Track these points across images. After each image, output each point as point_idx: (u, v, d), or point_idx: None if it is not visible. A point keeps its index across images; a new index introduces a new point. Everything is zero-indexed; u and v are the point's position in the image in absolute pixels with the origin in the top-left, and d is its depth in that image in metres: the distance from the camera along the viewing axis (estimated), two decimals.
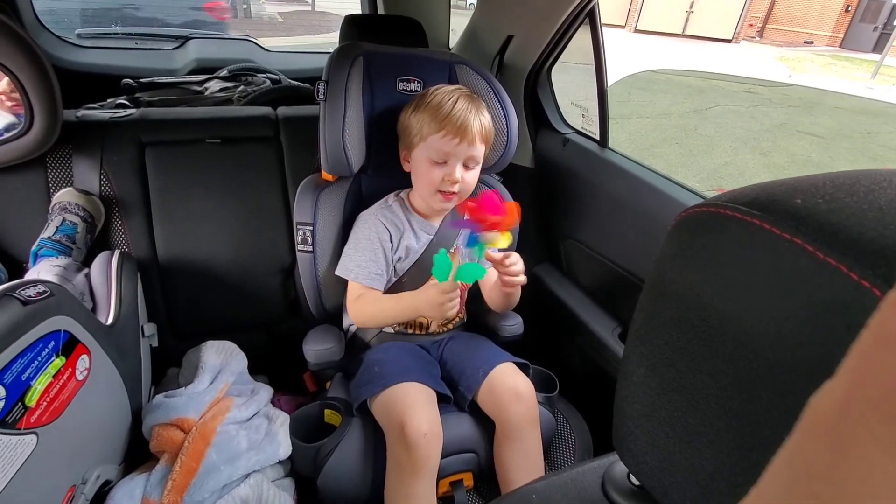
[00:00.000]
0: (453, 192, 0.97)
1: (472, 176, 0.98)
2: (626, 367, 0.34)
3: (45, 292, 0.57)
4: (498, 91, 1.05)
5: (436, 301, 0.87)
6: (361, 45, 1.01)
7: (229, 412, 0.87)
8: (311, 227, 1.02)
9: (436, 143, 0.93)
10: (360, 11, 1.82)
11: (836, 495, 0.14)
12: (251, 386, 0.99)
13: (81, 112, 1.11)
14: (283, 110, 1.25)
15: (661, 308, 0.30)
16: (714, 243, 0.27)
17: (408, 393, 0.88)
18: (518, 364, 1.00)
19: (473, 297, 1.13)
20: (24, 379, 0.53)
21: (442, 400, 0.94)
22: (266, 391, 0.99)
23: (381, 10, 1.62)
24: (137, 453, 0.85)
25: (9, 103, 0.92)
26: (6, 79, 0.87)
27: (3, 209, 1.00)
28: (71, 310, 0.62)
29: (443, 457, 0.87)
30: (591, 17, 1.14)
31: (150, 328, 0.97)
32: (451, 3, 1.57)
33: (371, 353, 1.01)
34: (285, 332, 1.24)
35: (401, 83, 1.03)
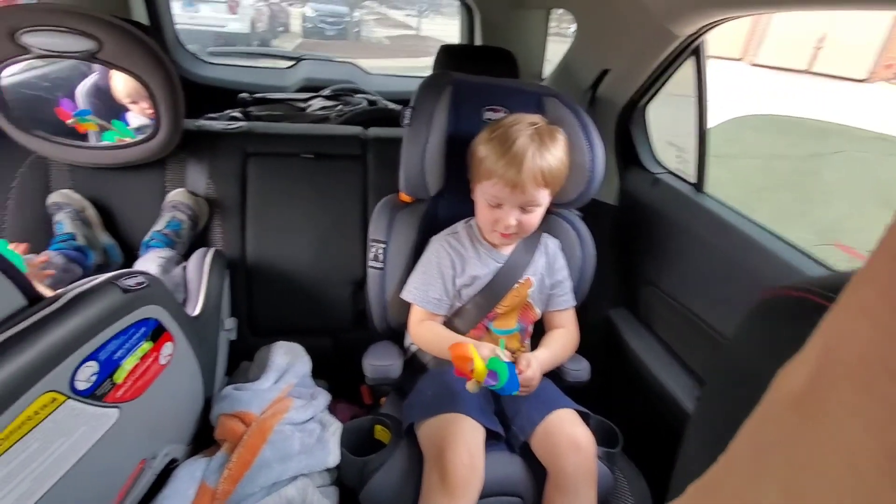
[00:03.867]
0: (511, 233, 0.95)
1: (532, 218, 0.95)
2: (688, 445, 0.30)
3: (142, 283, 0.63)
4: (585, 125, 1.02)
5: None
6: (451, 75, 1.04)
7: (287, 413, 0.91)
8: (384, 246, 1.05)
9: (489, 187, 0.92)
10: (460, 38, 1.89)
11: (808, 461, 0.14)
12: (311, 390, 1.02)
13: (199, 122, 1.25)
14: (372, 130, 1.31)
15: (734, 394, 0.27)
16: (804, 337, 0.23)
17: (453, 423, 0.86)
18: (579, 412, 0.94)
19: (539, 331, 1.09)
20: (115, 358, 0.59)
21: (493, 437, 0.90)
22: (324, 397, 1.03)
23: (478, 40, 1.67)
24: (205, 436, 0.91)
25: (150, 110, 1.07)
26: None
27: (127, 203, 1.15)
28: (162, 300, 0.69)
29: (485, 496, 0.84)
30: (697, 53, 1.08)
31: (230, 322, 1.05)
32: (556, 31, 1.57)
33: (426, 378, 1.01)
34: (351, 342, 1.28)
35: (486, 112, 1.04)
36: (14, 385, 0.47)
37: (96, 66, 1.06)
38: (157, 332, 0.67)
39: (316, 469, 0.86)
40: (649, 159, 1.27)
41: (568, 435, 0.87)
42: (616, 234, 1.30)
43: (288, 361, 1.02)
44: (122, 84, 1.12)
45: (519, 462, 0.91)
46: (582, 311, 1.14)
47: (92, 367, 0.56)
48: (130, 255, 1.13)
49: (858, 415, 0.13)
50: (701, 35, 1.04)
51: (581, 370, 1.06)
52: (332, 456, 0.89)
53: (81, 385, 0.55)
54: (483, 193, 0.94)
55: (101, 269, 1.07)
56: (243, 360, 1.14)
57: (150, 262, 0.99)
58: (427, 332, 0.99)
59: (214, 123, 1.26)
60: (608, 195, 1.30)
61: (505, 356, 0.86)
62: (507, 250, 1.02)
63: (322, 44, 9.43)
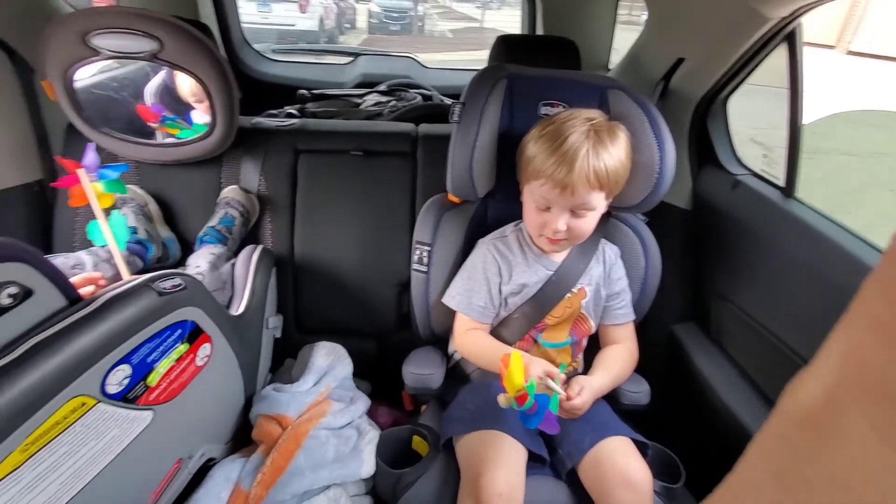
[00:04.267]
0: (560, 239, 0.87)
1: (584, 223, 0.86)
2: None
3: (179, 285, 0.63)
4: (655, 121, 0.91)
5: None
6: (506, 67, 0.97)
7: (324, 417, 0.89)
8: (428, 248, 1.00)
9: (537, 188, 0.84)
10: (521, 28, 1.80)
11: (828, 480, 0.14)
12: (351, 394, 1.00)
13: (255, 120, 1.26)
14: (423, 127, 1.27)
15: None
16: None
17: (494, 442, 0.80)
18: (635, 441, 0.85)
19: (594, 342, 1.00)
20: (148, 361, 0.59)
21: (536, 460, 0.84)
22: (363, 402, 1.00)
23: (540, 30, 1.57)
24: (245, 434, 0.92)
25: None
26: None
27: (185, 198, 1.19)
28: (201, 301, 0.68)
29: None
30: (790, 40, 0.93)
31: (274, 321, 1.06)
32: (626, 19, 1.45)
33: (468, 389, 0.96)
34: (395, 344, 1.25)
35: (543, 107, 0.96)
36: (42, 390, 0.47)
37: (162, 67, 1.10)
38: (194, 334, 0.67)
39: (349, 479, 0.84)
40: (729, 159, 1.12)
41: (620, 469, 0.79)
42: (687, 242, 1.17)
43: (329, 363, 1.01)
44: (186, 83, 1.15)
45: (564, 491, 0.84)
46: (642, 326, 1.04)
47: (124, 371, 0.56)
48: (187, 249, 1.17)
49: (880, 429, 0.13)
50: (796, 17, 0.90)
51: (640, 393, 0.96)
52: (366, 467, 0.86)
53: (113, 389, 0.54)
54: (531, 194, 0.87)
55: (160, 262, 1.11)
56: (288, 358, 1.14)
57: (201, 258, 1.01)
58: (473, 343, 0.93)
59: (268, 121, 1.27)
60: (679, 198, 1.17)
61: (559, 381, 0.78)
62: (559, 257, 0.94)
63: (386, 39, 9.59)
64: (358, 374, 1.13)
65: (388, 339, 1.26)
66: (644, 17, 1.22)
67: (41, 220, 1.17)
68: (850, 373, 0.15)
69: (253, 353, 0.94)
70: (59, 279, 0.53)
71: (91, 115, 1.06)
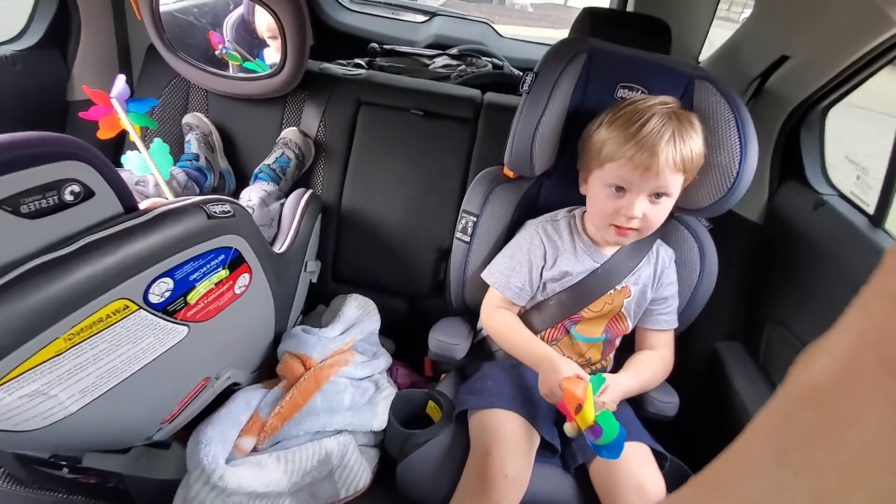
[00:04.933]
0: (631, 228, 0.81)
1: (660, 212, 0.81)
2: None
3: (229, 212, 0.64)
4: (742, 120, 0.84)
5: (549, 380, 0.77)
6: (588, 41, 0.91)
7: (346, 366, 0.91)
8: (475, 219, 0.98)
9: (614, 169, 0.79)
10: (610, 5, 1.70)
11: (838, 464, 0.13)
12: (375, 349, 1.02)
13: (324, 65, 1.26)
14: (489, 96, 1.23)
15: None
16: None
17: (507, 423, 0.79)
18: (654, 451, 0.82)
19: (628, 343, 0.96)
20: (191, 279, 0.61)
21: (547, 448, 0.82)
22: (385, 359, 1.01)
23: (630, 9, 1.47)
24: (269, 367, 0.95)
25: None
26: None
27: (247, 133, 1.21)
28: (247, 232, 0.70)
29: None
30: None
31: (313, 265, 1.08)
32: (724, 15, 1.33)
33: (491, 365, 0.95)
34: (425, 308, 1.26)
35: (621, 90, 0.90)
36: (91, 286, 0.49)
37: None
38: (235, 262, 0.69)
39: (360, 429, 0.85)
40: (817, 175, 1.02)
41: (635, 475, 0.76)
42: (750, 257, 1.09)
43: (358, 316, 1.02)
44: (263, 20, 1.16)
45: (570, 484, 0.82)
46: (684, 336, 0.98)
47: (167, 284, 0.58)
48: (242, 183, 1.20)
49: None
50: None
51: (668, 403, 0.92)
52: (378, 420, 0.87)
53: (154, 298, 0.57)
54: (602, 179, 0.81)
55: (215, 191, 1.15)
56: (320, 304, 1.17)
57: (253, 193, 1.03)
58: (501, 323, 0.91)
59: (336, 67, 1.26)
60: (750, 210, 1.08)
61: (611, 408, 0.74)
62: (610, 250, 0.90)
63: (466, 5, 9.35)
64: (384, 332, 1.14)
65: (419, 303, 1.26)
66: (744, 15, 1.11)
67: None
68: (868, 348, 0.14)
69: (288, 291, 0.96)
70: (119, 186, 0.55)
71: (171, 39, 1.08)
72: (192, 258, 0.60)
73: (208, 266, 0.63)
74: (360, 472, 0.84)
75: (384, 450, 0.93)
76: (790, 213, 1.01)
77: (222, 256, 0.66)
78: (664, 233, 0.95)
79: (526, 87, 0.89)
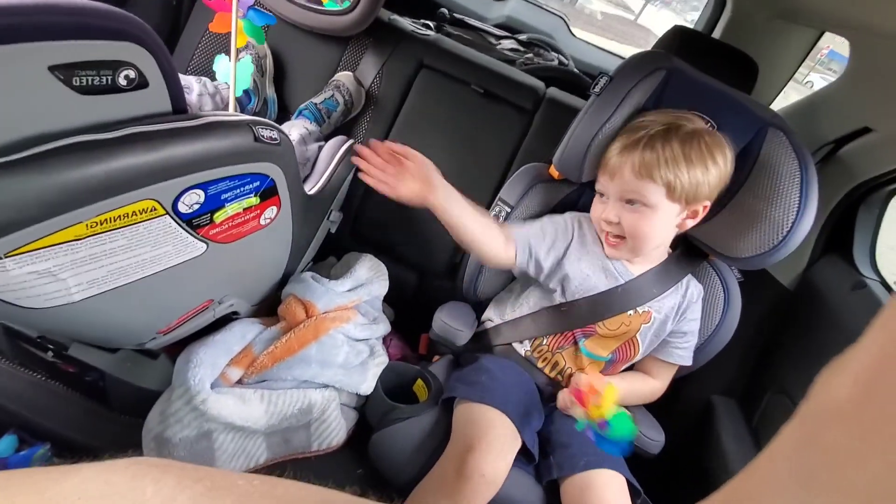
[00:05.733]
0: (616, 237, 0.84)
1: (638, 220, 0.80)
2: None
3: (275, 140, 0.61)
4: (808, 181, 0.81)
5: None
6: (672, 59, 0.87)
7: (346, 323, 0.89)
8: (508, 209, 0.95)
9: (601, 176, 0.86)
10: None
11: (866, 485, 0.13)
12: (376, 314, 1.00)
13: (394, 17, 1.21)
14: (553, 91, 1.18)
15: None
16: None
17: (493, 423, 0.78)
18: (630, 485, 0.80)
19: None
20: (222, 198, 0.59)
21: (525, 454, 0.81)
22: (384, 326, 1.00)
23: (716, 35, 1.41)
24: (272, 306, 0.93)
25: None
26: None
27: (301, 66, 1.17)
28: (286, 165, 0.67)
29: None
30: None
31: (336, 216, 1.05)
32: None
33: (488, 360, 0.93)
34: (433, 287, 1.24)
35: None
36: (125, 179, 0.47)
37: None
38: (267, 192, 0.66)
39: (347, 388, 0.84)
40: (864, 256, 0.99)
41: (606, 503, 0.75)
42: (771, 320, 1.06)
43: (368, 277, 1.00)
44: None
45: (538, 495, 0.81)
46: (682, 380, 0.97)
47: (198, 196, 0.55)
48: (283, 115, 1.17)
49: None
50: None
51: (654, 442, 0.91)
52: (365, 385, 0.86)
53: (183, 208, 0.54)
54: (595, 187, 0.87)
55: (256, 115, 1.11)
56: (331, 256, 1.15)
57: (294, 128, 1.00)
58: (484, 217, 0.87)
59: (406, 22, 1.22)
60: (785, 273, 1.05)
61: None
62: (637, 270, 0.88)
63: None
64: (387, 300, 1.12)
65: (428, 280, 1.24)
66: (809, 77, 1.06)
67: (168, 35, 1.19)
68: (890, 365, 0.13)
69: (308, 235, 0.94)
70: (174, 84, 0.52)
71: None
72: (228, 177, 0.58)
73: (242, 189, 0.61)
74: (336, 429, 0.83)
75: (363, 414, 0.92)
76: (826, 287, 0.98)
77: (257, 183, 0.63)
78: (696, 271, 0.92)
79: (597, 90, 0.86)
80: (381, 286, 1.03)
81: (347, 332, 0.89)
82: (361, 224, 1.20)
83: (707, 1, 1.50)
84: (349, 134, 1.17)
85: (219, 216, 0.60)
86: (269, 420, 0.74)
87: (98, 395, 0.78)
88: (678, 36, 1.00)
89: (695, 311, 0.91)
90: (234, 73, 0.87)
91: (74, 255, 0.47)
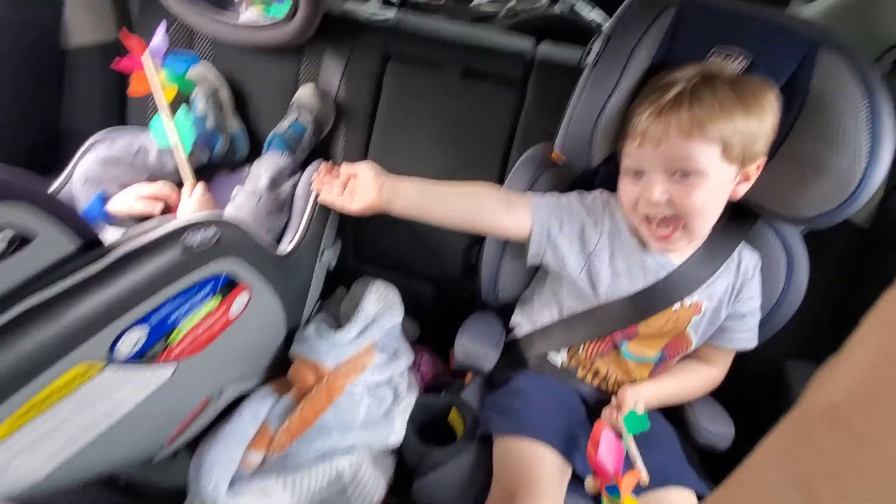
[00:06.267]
0: (665, 220, 0.68)
1: (692, 194, 0.65)
2: None
3: (211, 238, 0.53)
4: (877, 110, 0.63)
5: None
6: None
7: (362, 373, 0.83)
8: None
9: (631, 149, 0.68)
10: None
11: (869, 492, 0.12)
12: (395, 346, 0.93)
13: (345, 7, 1.06)
14: (544, 48, 1.01)
15: None
16: None
17: (538, 459, 0.70)
18: (700, 495, 0.72)
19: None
20: (169, 322, 0.52)
21: (576, 476, 0.74)
22: (406, 358, 0.93)
23: None
24: (284, 366, 0.88)
25: None
26: None
27: (260, 89, 1.06)
28: (239, 249, 0.59)
29: None
30: None
31: (329, 253, 0.97)
32: None
33: (522, 378, 0.85)
34: (454, 291, 1.15)
35: (714, 56, 0.69)
36: (39, 358, 0.41)
37: None
38: (228, 287, 0.59)
39: (375, 447, 0.79)
40: None
41: None
42: (846, 266, 0.90)
43: (377, 311, 0.93)
44: None
45: None
46: (742, 354, 0.85)
47: (140, 332, 0.49)
48: (256, 146, 1.08)
49: None
50: None
51: (719, 435, 0.81)
52: (395, 436, 0.81)
53: (124, 352, 0.48)
54: (623, 162, 0.71)
55: (226, 157, 1.03)
56: (339, 286, 1.08)
57: (264, 170, 0.90)
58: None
59: (360, 10, 1.06)
60: (857, 211, 0.88)
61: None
62: (678, 258, 0.74)
63: None
64: (408, 313, 1.05)
65: (446, 287, 1.15)
66: None
67: (120, 84, 1.10)
68: (888, 362, 0.13)
69: (300, 288, 0.87)
70: (70, 219, 0.44)
71: None
72: (169, 298, 0.50)
73: (193, 300, 0.54)
74: (373, 487, 0.79)
75: (401, 456, 0.88)
76: None
77: (211, 285, 0.56)
78: (749, 236, 0.77)
79: (592, 58, 0.70)
80: (395, 316, 0.96)
81: (366, 381, 0.84)
82: (363, 245, 1.11)
83: None
84: (327, 152, 1.06)
85: (175, 337, 0.53)
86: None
87: (132, 492, 0.77)
88: None
89: (751, 287, 0.77)
90: (173, 133, 0.78)
91: (14, 448, 0.42)
